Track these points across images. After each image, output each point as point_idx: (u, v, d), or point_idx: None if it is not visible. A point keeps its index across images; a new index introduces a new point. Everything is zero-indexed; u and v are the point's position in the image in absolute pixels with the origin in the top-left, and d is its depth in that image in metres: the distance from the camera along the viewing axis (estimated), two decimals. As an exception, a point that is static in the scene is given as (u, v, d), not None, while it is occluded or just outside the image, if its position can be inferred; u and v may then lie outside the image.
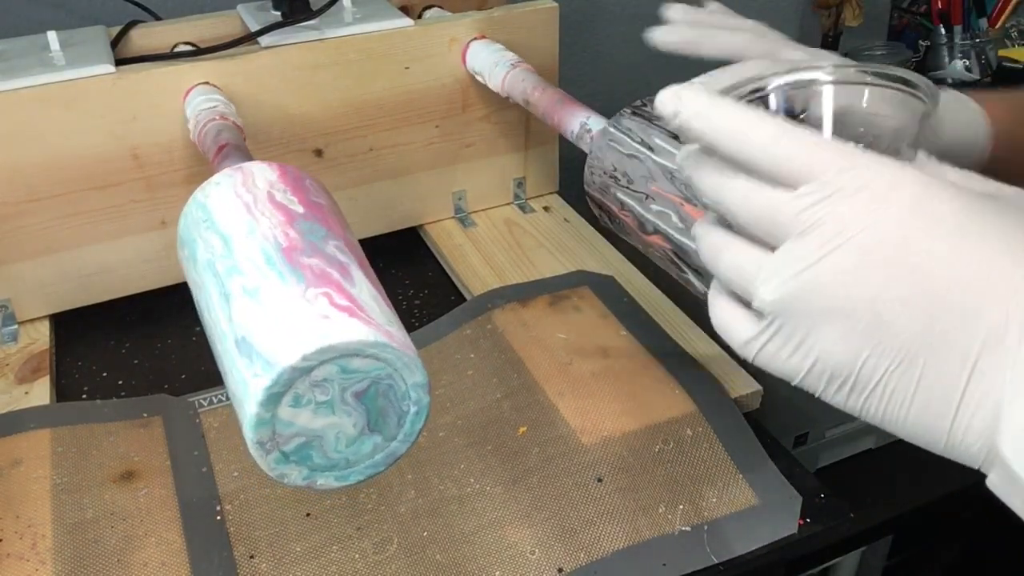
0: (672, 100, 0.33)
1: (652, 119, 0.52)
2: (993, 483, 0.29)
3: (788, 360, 0.31)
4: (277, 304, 0.40)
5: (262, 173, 0.48)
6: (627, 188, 0.50)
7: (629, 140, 0.51)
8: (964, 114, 0.50)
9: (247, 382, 0.38)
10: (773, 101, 0.35)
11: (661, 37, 0.48)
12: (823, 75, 0.35)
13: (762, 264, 0.31)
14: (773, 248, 0.31)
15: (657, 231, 0.48)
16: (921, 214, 0.29)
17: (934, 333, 0.28)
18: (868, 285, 0.29)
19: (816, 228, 0.30)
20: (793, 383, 0.32)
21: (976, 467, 0.29)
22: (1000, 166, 0.53)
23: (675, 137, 0.50)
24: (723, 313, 0.33)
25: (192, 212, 0.48)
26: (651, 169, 0.49)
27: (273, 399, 0.37)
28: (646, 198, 0.49)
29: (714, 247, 0.34)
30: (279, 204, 0.46)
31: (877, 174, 0.29)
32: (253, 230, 0.44)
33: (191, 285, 0.47)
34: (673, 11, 0.49)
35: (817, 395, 0.31)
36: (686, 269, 0.47)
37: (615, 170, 0.51)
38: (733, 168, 0.32)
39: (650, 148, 0.50)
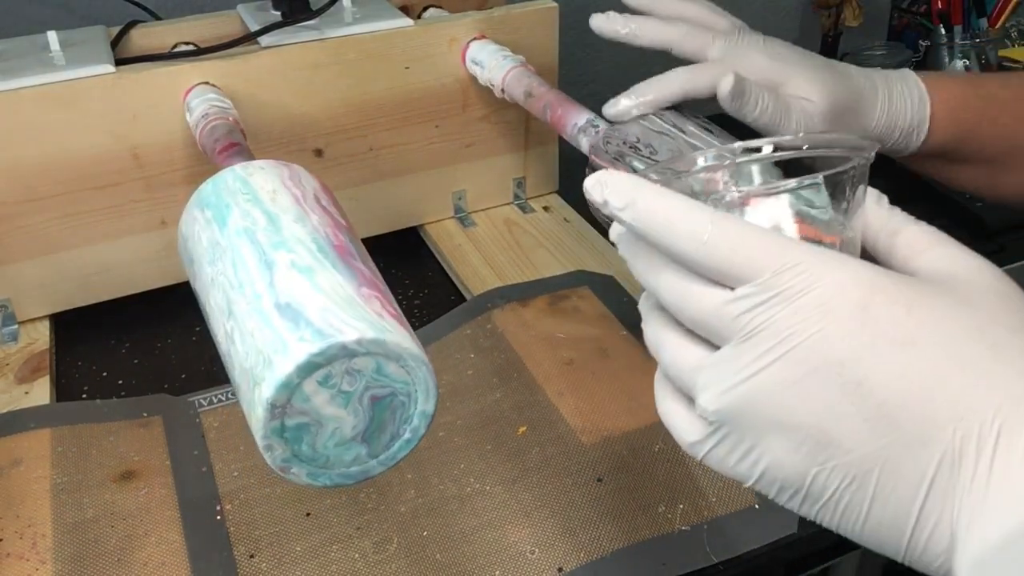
0: (597, 189, 0.31)
1: (684, 111, 0.54)
2: None
3: (736, 467, 0.30)
4: (333, 288, 0.40)
5: (306, 177, 0.49)
6: (648, 158, 0.51)
7: (660, 121, 0.53)
8: (905, 92, 0.53)
9: (287, 343, 0.38)
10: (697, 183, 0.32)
11: (597, 24, 0.54)
12: (752, 157, 0.32)
13: (701, 367, 0.30)
14: (714, 345, 0.30)
15: None
16: (865, 324, 0.27)
17: (886, 453, 0.27)
18: (812, 401, 0.27)
19: (756, 335, 0.28)
20: (744, 486, 0.30)
21: None
22: (945, 148, 0.55)
23: (708, 130, 0.51)
24: (668, 411, 0.32)
25: (228, 182, 0.48)
26: (682, 147, 0.51)
27: (311, 367, 0.37)
28: (671, 167, 0.50)
29: (655, 337, 0.32)
30: (325, 209, 0.47)
31: (818, 276, 0.28)
32: (303, 219, 0.45)
33: (204, 243, 0.46)
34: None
35: (770, 499, 0.30)
36: None
37: (638, 141, 0.52)
38: (667, 259, 0.31)
39: (683, 132, 0.52)
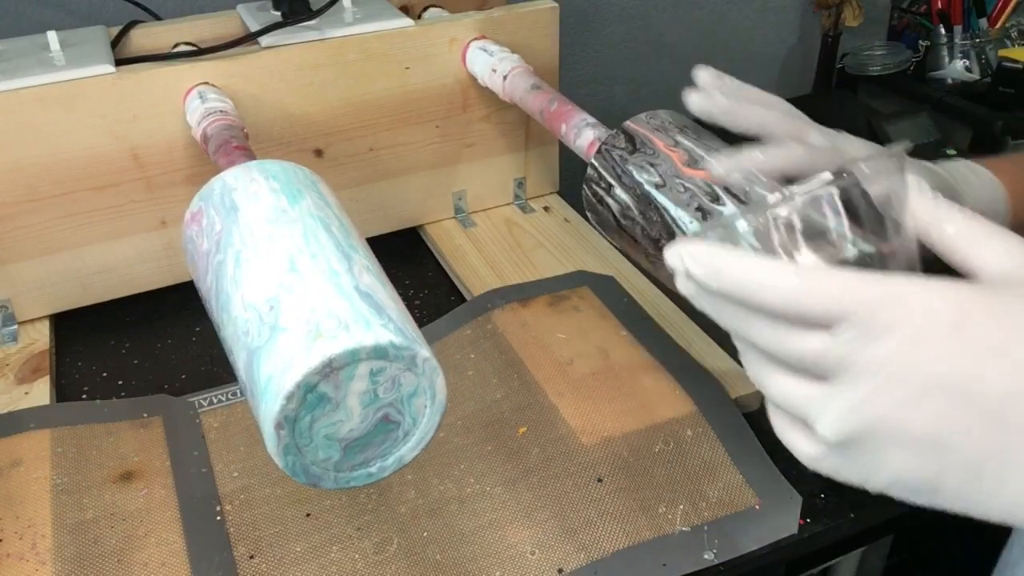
0: (678, 261, 0.33)
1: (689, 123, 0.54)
2: None
3: (858, 478, 0.32)
4: (400, 306, 0.43)
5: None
6: (695, 139, 0.52)
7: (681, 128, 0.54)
8: (979, 184, 0.51)
9: (370, 322, 0.39)
10: (778, 234, 0.34)
11: (699, 104, 0.48)
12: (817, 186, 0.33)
13: (812, 399, 0.31)
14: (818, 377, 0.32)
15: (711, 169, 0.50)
16: (961, 340, 0.29)
17: (996, 447, 0.29)
18: (923, 415, 0.30)
19: (861, 367, 0.30)
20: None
21: None
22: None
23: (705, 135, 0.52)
24: (785, 431, 0.33)
25: (299, 175, 0.50)
26: (709, 142, 0.52)
27: (382, 353, 0.39)
28: (716, 150, 0.50)
29: (757, 375, 0.34)
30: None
31: (909, 305, 0.30)
32: (365, 244, 0.47)
33: (266, 204, 0.47)
34: (703, 76, 0.49)
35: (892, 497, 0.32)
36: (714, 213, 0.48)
37: (686, 126, 0.53)
38: (756, 311, 0.32)
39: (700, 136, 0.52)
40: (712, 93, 0.48)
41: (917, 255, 0.34)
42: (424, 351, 0.40)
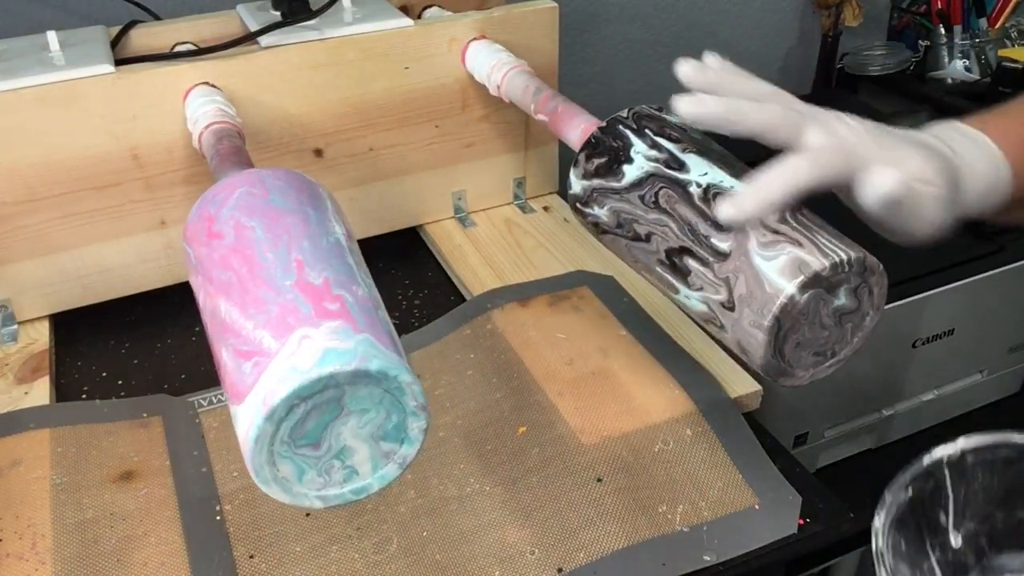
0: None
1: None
2: None
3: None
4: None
5: None
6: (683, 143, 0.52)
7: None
8: (981, 157, 0.48)
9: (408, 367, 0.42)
10: None
11: (688, 110, 0.45)
12: None
13: None
14: None
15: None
16: None
17: None
18: None
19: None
20: None
21: None
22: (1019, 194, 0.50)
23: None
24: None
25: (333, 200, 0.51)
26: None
27: (413, 440, 0.42)
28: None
29: None
30: None
31: None
32: None
33: (329, 209, 0.49)
34: (684, 70, 0.47)
35: None
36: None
37: (686, 128, 0.53)
38: None
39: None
40: (702, 100, 0.45)
41: None
42: (421, 404, 0.41)
